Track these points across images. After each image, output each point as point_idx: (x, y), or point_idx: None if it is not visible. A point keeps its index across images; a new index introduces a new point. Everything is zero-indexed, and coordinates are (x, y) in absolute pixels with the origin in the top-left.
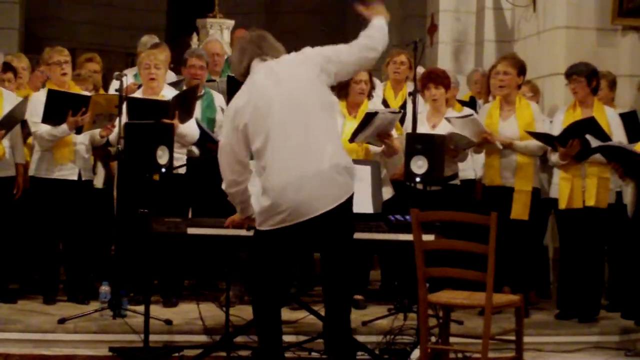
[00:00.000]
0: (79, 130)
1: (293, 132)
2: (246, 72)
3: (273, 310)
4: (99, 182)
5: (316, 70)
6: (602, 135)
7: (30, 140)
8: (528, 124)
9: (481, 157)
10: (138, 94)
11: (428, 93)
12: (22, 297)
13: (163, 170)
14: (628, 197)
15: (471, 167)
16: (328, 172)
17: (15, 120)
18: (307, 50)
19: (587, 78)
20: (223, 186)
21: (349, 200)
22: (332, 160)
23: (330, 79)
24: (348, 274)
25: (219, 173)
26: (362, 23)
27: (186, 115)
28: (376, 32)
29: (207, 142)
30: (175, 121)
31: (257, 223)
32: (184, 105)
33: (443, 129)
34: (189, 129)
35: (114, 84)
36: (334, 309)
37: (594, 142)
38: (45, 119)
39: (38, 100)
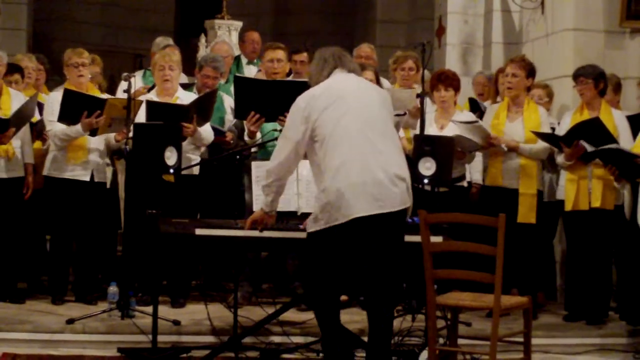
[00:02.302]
0: (93, 132)
1: (361, 137)
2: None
3: (333, 308)
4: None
5: (386, 100)
6: (607, 135)
7: (38, 143)
8: (535, 126)
9: (477, 161)
10: (152, 95)
11: (437, 94)
12: (30, 297)
13: (171, 171)
14: (625, 200)
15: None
16: (388, 182)
17: (24, 118)
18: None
19: (594, 80)
20: (270, 166)
21: (403, 212)
22: (393, 170)
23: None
24: (388, 282)
25: (230, 175)
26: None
27: (203, 119)
28: None
29: (216, 136)
30: (194, 125)
31: (310, 225)
32: (202, 109)
33: (451, 130)
34: (206, 132)
35: (122, 85)
36: (378, 317)
37: (590, 147)
38: (61, 119)
39: (55, 100)
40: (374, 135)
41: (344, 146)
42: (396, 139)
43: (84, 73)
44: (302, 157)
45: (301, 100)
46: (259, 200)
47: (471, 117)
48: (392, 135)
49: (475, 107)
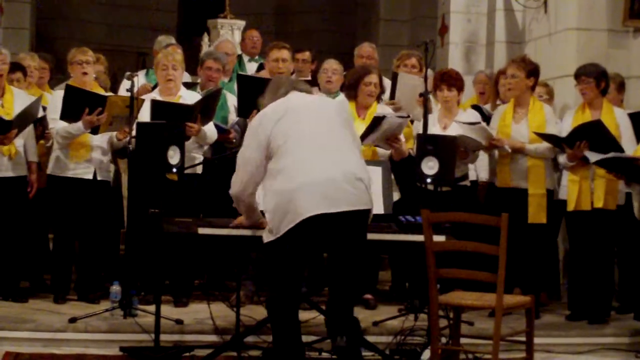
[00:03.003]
0: (95, 130)
1: (316, 140)
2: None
3: (293, 310)
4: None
5: (345, 113)
6: (608, 137)
7: (42, 141)
8: (539, 126)
9: (484, 159)
10: (155, 94)
11: (440, 94)
12: (32, 296)
13: (174, 170)
14: (635, 200)
15: (473, 168)
16: (342, 180)
17: (28, 119)
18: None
19: (596, 79)
20: (232, 191)
21: (363, 213)
22: (349, 170)
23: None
24: (352, 277)
25: (232, 173)
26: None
27: (207, 118)
28: None
29: (220, 133)
30: (199, 124)
31: (270, 231)
32: (206, 108)
33: (454, 130)
34: (210, 130)
35: (125, 84)
36: (336, 304)
37: (593, 157)
38: (63, 116)
39: (58, 98)
40: (328, 139)
41: (296, 150)
42: (354, 144)
43: (89, 71)
44: (260, 179)
45: (255, 121)
46: (260, 199)
47: (475, 116)
48: (349, 139)
49: (479, 113)
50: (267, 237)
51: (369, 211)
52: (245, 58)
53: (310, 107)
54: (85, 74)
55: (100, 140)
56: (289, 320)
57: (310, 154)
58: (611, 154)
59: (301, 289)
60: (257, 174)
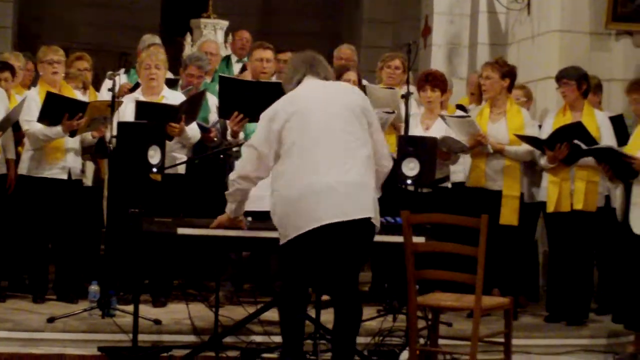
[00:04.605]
0: (73, 133)
1: (323, 144)
2: (295, 88)
3: (301, 314)
4: (88, 180)
5: (358, 107)
6: (589, 139)
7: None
8: (517, 128)
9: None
10: (138, 94)
11: (424, 95)
12: (11, 296)
13: (154, 170)
14: (617, 201)
15: (460, 169)
16: (344, 190)
17: (11, 122)
18: (363, 95)
19: (577, 82)
20: (232, 176)
21: (369, 221)
22: (362, 179)
23: (366, 129)
24: (355, 281)
25: (214, 174)
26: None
27: (191, 119)
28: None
29: (202, 132)
30: (182, 125)
31: (281, 236)
32: (190, 109)
33: (437, 131)
34: (193, 131)
35: (107, 84)
36: (346, 311)
37: (584, 147)
38: (41, 119)
39: (32, 99)
40: (334, 143)
41: (301, 155)
42: (364, 147)
43: (59, 70)
44: (268, 168)
45: (267, 113)
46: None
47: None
48: (359, 143)
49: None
50: (281, 239)
51: (374, 218)
52: (234, 58)
53: (321, 104)
54: (55, 73)
55: (74, 141)
56: (295, 319)
57: (315, 160)
58: (607, 145)
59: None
60: (261, 165)
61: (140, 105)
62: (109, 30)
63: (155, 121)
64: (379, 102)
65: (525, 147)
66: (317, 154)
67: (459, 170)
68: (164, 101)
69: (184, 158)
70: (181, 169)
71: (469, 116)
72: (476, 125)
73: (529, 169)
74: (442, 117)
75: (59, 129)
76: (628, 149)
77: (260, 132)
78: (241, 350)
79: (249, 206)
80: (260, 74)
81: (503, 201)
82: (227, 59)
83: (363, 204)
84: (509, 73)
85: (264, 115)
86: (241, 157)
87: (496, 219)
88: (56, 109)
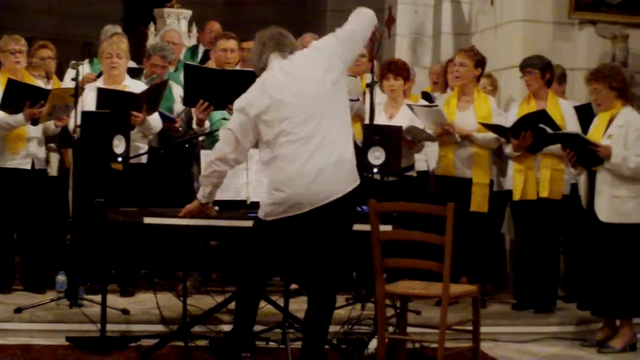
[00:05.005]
0: (35, 121)
1: (304, 127)
2: (264, 67)
3: (257, 296)
4: (53, 170)
5: (323, 68)
6: (554, 127)
7: None
8: (485, 117)
9: (435, 150)
10: (99, 83)
11: (387, 83)
12: None
13: (119, 159)
14: (582, 189)
15: (423, 158)
16: (335, 166)
17: None
18: (316, 44)
19: (541, 70)
20: (209, 158)
21: (353, 191)
22: (340, 155)
23: (340, 68)
24: (333, 267)
25: (178, 163)
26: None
27: (152, 109)
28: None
29: (166, 122)
30: (144, 113)
31: (262, 214)
32: (152, 98)
33: (400, 119)
34: (155, 120)
35: (70, 73)
36: (320, 299)
37: (550, 131)
38: (2, 107)
39: None
40: (313, 125)
41: (284, 144)
42: (343, 117)
43: (21, 59)
44: (246, 151)
45: (242, 100)
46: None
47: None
48: (335, 114)
49: (429, 100)
50: (259, 214)
51: (355, 189)
52: (201, 49)
53: (294, 86)
54: (17, 62)
55: (36, 130)
56: (252, 305)
57: (297, 146)
58: (573, 131)
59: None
60: (237, 148)
61: (101, 93)
62: (73, 21)
63: (117, 109)
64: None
65: (493, 134)
66: (299, 140)
67: (421, 159)
68: (126, 90)
69: (146, 148)
70: (143, 159)
71: (436, 105)
72: (443, 114)
73: (497, 157)
74: (410, 106)
75: (20, 117)
76: (591, 137)
77: (235, 120)
78: (210, 339)
79: (218, 195)
80: (224, 64)
81: (473, 189)
82: (193, 49)
83: (347, 178)
84: (481, 63)
85: (237, 106)
86: (219, 140)
87: (466, 206)
88: (17, 97)
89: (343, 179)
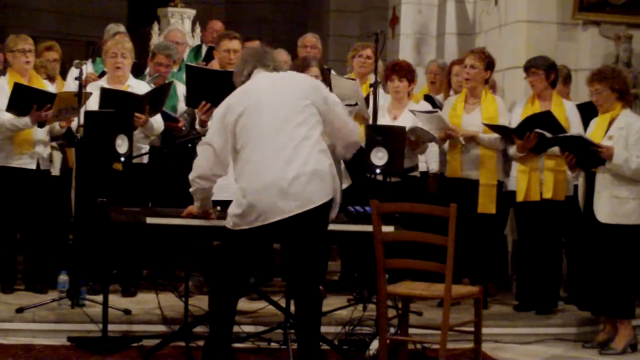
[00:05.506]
0: (41, 124)
1: (275, 138)
2: (246, 80)
3: (232, 302)
4: (55, 169)
5: (307, 91)
6: (558, 128)
7: None
8: (491, 118)
9: (434, 151)
10: (103, 82)
11: (391, 85)
12: None
13: (122, 159)
14: (579, 190)
15: (423, 159)
16: (302, 177)
17: None
18: (314, 79)
19: (545, 71)
20: (191, 176)
21: (324, 206)
22: (308, 167)
23: (316, 114)
24: (312, 271)
25: (181, 162)
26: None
27: (155, 110)
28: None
29: (169, 121)
30: (146, 115)
31: (230, 224)
32: (156, 100)
33: (404, 120)
34: (157, 122)
35: (73, 72)
36: (301, 301)
37: (549, 135)
38: (9, 109)
39: (0, 88)
40: (287, 135)
41: (256, 150)
42: (315, 131)
43: (31, 59)
44: (226, 164)
45: (221, 107)
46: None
47: (428, 108)
48: (310, 131)
49: (431, 103)
50: (227, 223)
51: (328, 202)
52: (205, 48)
53: (271, 98)
54: (28, 62)
55: (42, 132)
56: (227, 311)
57: (269, 154)
58: (575, 133)
59: (246, 282)
60: (217, 162)
61: (104, 93)
62: (77, 20)
63: (120, 109)
64: (342, 93)
65: (498, 135)
66: (271, 149)
67: (421, 160)
68: (129, 90)
69: (147, 148)
70: (145, 159)
71: (436, 111)
72: (444, 119)
73: (502, 158)
74: (413, 112)
75: (27, 119)
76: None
77: (214, 128)
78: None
79: (218, 195)
80: (227, 65)
81: (480, 190)
82: (197, 49)
83: (313, 194)
84: (491, 65)
85: (216, 112)
86: (197, 157)
87: (473, 208)
88: (24, 100)
89: (316, 190)
